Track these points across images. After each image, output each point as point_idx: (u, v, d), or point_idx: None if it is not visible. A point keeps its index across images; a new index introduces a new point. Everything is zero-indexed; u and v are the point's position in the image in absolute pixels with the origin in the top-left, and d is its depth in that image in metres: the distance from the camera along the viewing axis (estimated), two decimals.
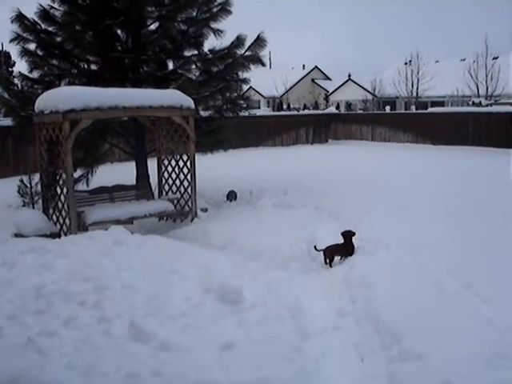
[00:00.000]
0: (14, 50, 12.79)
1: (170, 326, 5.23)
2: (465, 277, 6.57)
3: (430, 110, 31.31)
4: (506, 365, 4.55)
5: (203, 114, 13.50)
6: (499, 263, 7.22)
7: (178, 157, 11.79)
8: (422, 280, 6.61)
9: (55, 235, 9.57)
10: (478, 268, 7.00)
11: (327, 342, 5.47)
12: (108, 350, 4.70)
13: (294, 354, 4.93)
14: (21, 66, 14.36)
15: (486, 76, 41.37)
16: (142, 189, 11.89)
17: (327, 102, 51.26)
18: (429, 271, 6.89)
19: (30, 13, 11.73)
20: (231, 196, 13.34)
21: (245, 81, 13.63)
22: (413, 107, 38.55)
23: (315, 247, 8.36)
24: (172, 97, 10.76)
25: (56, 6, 11.89)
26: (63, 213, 9.87)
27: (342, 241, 8.24)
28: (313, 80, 60.55)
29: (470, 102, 35.01)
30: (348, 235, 8.23)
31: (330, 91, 56.24)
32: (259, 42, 12.85)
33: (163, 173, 12.07)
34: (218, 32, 12.78)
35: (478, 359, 4.63)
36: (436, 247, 8.01)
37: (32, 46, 11.96)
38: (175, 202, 11.61)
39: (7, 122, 15.78)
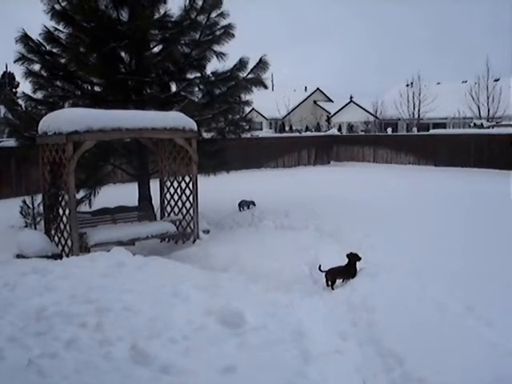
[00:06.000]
0: (18, 71, 12.93)
1: (172, 348, 5.20)
2: (467, 299, 6.53)
3: (432, 131, 31.36)
4: None
5: (206, 135, 13.57)
6: (502, 285, 7.17)
7: (181, 178, 11.83)
8: (424, 302, 6.57)
9: (57, 256, 9.57)
10: (480, 290, 6.95)
11: (330, 366, 5.42)
12: (109, 372, 4.67)
13: (296, 378, 4.88)
14: (25, 87, 14.48)
15: (488, 98, 41.69)
16: (144, 210, 11.91)
17: (329, 123, 51.50)
18: (431, 293, 6.85)
19: (35, 33, 11.88)
20: (243, 204, 13.71)
21: (247, 103, 13.72)
22: (414, 129, 38.71)
23: (320, 267, 8.32)
24: (175, 119, 10.82)
25: (60, 27, 12.02)
26: (65, 234, 9.87)
27: (344, 263, 8.20)
28: (315, 102, 61.03)
29: (472, 124, 35.11)
30: (353, 258, 8.19)
31: (332, 113, 56.67)
32: (262, 64, 12.96)
33: (165, 194, 12.09)
34: (220, 55, 12.88)
35: (480, 383, 4.60)
36: (438, 269, 7.98)
37: (36, 67, 12.05)
38: (177, 223, 11.62)
39: (10, 142, 15.93)
